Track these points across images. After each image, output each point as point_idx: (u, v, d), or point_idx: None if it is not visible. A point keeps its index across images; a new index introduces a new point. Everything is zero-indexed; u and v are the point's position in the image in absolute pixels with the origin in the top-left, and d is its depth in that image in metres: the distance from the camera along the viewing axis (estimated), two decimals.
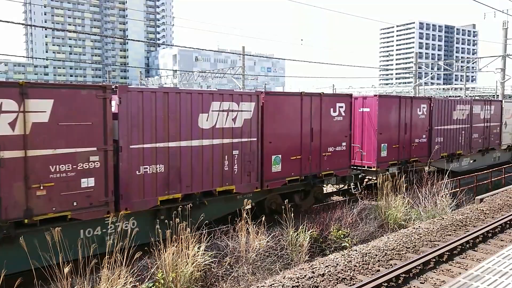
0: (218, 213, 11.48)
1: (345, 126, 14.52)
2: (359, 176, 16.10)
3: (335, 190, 17.83)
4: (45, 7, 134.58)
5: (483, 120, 22.35)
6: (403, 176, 16.05)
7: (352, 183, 15.77)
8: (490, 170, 20.48)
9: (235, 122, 11.40)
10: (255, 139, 11.90)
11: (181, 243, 8.41)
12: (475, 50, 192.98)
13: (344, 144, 14.49)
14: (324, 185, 15.60)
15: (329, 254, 10.16)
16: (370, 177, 17.38)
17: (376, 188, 16.06)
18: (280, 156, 12.57)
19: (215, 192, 11.19)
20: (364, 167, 16.59)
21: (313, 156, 13.53)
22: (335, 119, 14.12)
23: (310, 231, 10.56)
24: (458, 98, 19.68)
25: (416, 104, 18.10)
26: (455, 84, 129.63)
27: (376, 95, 16.46)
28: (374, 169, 16.37)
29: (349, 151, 14.74)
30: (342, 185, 16.64)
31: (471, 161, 21.84)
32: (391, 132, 16.87)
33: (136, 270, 7.77)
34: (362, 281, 8.05)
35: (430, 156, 18.59)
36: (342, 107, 14.32)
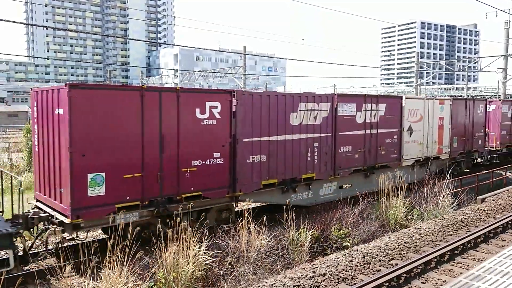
0: None
1: None
2: (41, 232, 9.47)
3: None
4: (46, 6, 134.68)
5: (363, 125, 15.14)
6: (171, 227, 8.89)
7: None
8: (492, 170, 20.28)
9: None
10: None
11: (182, 242, 8.42)
12: (476, 50, 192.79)
13: None
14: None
15: (330, 254, 10.16)
16: (75, 237, 9.92)
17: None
18: None
19: None
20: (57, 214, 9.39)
21: None
22: None
23: (311, 231, 10.55)
24: (303, 93, 13.60)
25: (193, 101, 10.65)
26: (456, 84, 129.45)
27: (68, 83, 8.99)
28: (69, 221, 8.83)
29: None
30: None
31: (344, 186, 15.11)
32: (118, 151, 9.43)
33: (137, 269, 7.78)
34: (363, 280, 8.05)
35: (233, 187, 11.56)
36: None
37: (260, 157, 12.15)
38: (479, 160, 23.64)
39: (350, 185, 15.24)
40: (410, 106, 17.15)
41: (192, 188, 10.67)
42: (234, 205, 12.04)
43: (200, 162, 10.81)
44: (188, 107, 10.53)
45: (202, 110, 10.79)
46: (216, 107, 11.07)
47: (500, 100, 24.77)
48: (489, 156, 23.72)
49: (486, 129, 22.57)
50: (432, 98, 18.72)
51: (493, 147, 23.70)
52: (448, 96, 57.78)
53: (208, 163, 10.97)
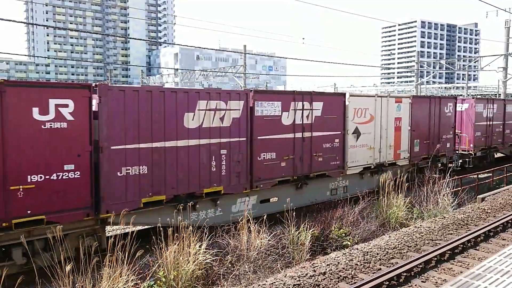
0: None
1: None
2: None
3: None
4: (46, 5, 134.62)
5: (292, 127, 12.84)
6: None
7: None
8: (492, 169, 20.12)
9: None
10: None
11: (183, 241, 8.42)
12: (477, 49, 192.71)
13: None
14: None
15: (330, 253, 10.17)
16: None
17: None
18: None
19: None
20: None
21: None
22: None
23: (311, 230, 10.55)
24: (203, 88, 11.51)
25: (28, 98, 8.17)
26: (457, 83, 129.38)
27: None
28: None
29: None
30: None
31: (272, 200, 13.07)
32: None
33: (137, 268, 7.78)
34: (363, 279, 8.05)
35: (97, 208, 9.19)
36: None
37: (138, 169, 9.72)
38: (450, 165, 20.55)
39: (277, 198, 13.03)
40: (356, 105, 14.72)
41: (28, 211, 8.15)
42: (104, 230, 9.63)
43: (41, 177, 8.27)
44: (19, 105, 7.99)
45: (43, 110, 8.21)
46: (66, 105, 8.49)
47: (473, 98, 22.43)
48: (460, 161, 21.33)
49: (457, 131, 20.34)
50: (386, 96, 16.12)
51: (465, 150, 21.43)
52: (448, 95, 57.77)
53: (54, 178, 8.42)
